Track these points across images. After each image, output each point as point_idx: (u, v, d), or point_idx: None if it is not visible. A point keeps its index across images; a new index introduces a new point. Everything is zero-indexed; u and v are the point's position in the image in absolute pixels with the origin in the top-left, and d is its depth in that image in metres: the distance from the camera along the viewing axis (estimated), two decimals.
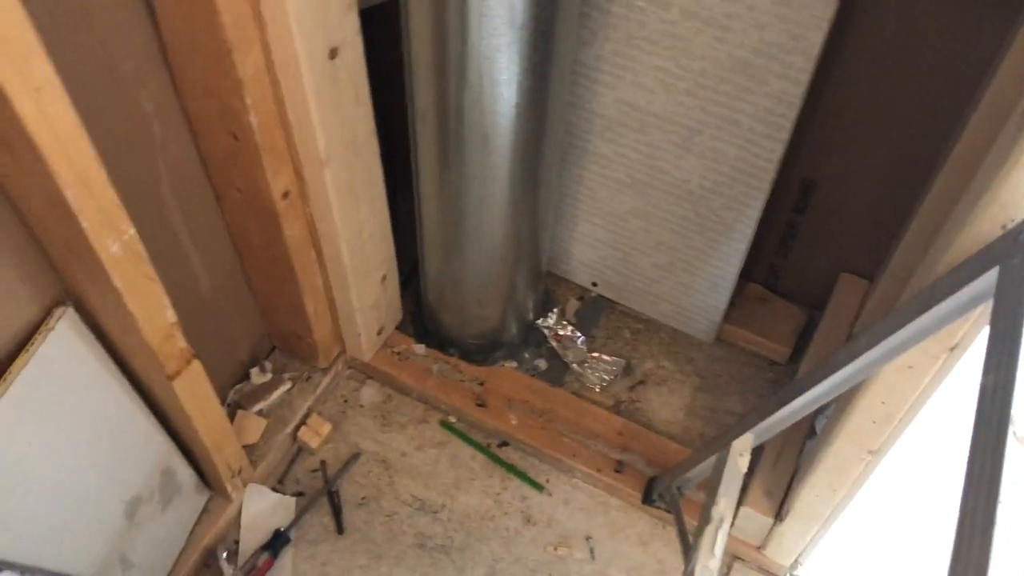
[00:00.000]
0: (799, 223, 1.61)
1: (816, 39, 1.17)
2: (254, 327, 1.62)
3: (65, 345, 1.12)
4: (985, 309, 0.84)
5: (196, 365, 1.25)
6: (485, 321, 1.66)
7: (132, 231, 1.03)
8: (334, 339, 1.65)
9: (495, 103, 1.21)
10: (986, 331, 0.88)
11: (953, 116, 1.30)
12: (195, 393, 1.28)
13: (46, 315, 1.12)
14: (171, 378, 1.21)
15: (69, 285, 1.12)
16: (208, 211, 1.37)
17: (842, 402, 1.11)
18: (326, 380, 1.67)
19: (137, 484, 1.32)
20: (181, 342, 1.20)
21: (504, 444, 1.64)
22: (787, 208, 1.60)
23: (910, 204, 1.46)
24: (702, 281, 1.62)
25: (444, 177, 1.36)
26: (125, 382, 1.23)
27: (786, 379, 1.71)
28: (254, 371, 1.64)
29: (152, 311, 1.12)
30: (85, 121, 0.90)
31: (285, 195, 1.31)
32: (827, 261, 1.66)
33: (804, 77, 1.22)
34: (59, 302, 1.12)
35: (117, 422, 1.24)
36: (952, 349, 0.91)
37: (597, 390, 1.69)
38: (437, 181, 1.38)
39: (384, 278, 1.59)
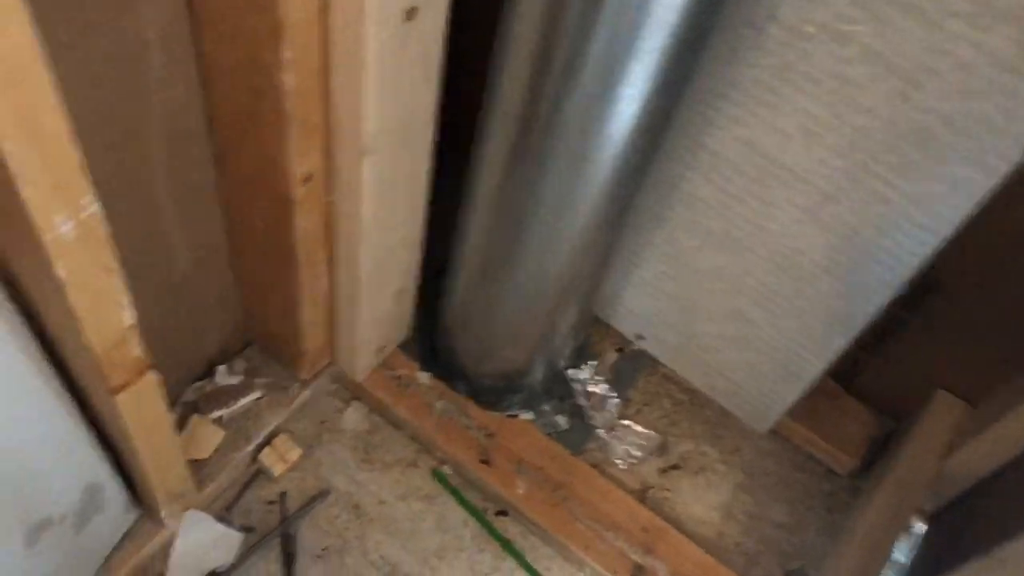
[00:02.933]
0: (906, 321, 1.34)
1: None
2: (230, 317, 1.32)
3: None
4: None
5: (150, 378, 0.95)
6: (509, 361, 1.37)
7: (94, 207, 0.73)
8: (324, 349, 1.36)
9: (603, 120, 0.92)
10: None
11: None
12: (142, 411, 0.98)
13: None
14: (114, 392, 0.92)
15: None
16: (203, 176, 1.07)
17: None
18: (305, 394, 1.38)
19: (48, 506, 1.03)
20: (136, 350, 0.90)
21: (503, 513, 1.36)
22: (896, 301, 1.32)
23: None
24: (776, 368, 1.34)
25: (509, 191, 1.07)
26: (52, 379, 0.93)
27: (845, 495, 1.44)
28: (220, 369, 1.34)
29: (103, 311, 0.83)
30: (51, 39, 0.60)
31: (307, 180, 1.01)
32: (925, 371, 1.39)
33: (1002, 167, 0.94)
34: None
35: (33, 429, 0.94)
36: None
37: (622, 466, 1.42)
38: (498, 194, 1.09)
39: (400, 291, 1.29)
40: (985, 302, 1.24)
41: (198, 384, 1.33)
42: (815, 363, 1.29)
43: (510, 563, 1.31)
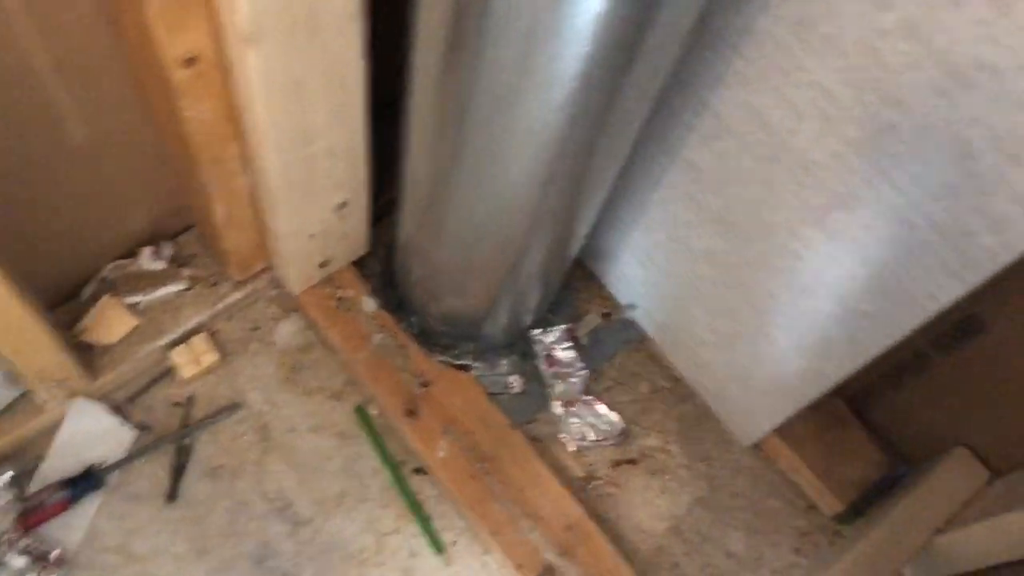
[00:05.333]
0: (934, 362, 1.09)
1: None
2: (165, 194, 1.18)
3: None
4: None
5: None
6: (464, 301, 1.19)
7: None
8: (258, 252, 1.21)
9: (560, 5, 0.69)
10: None
11: None
12: None
13: None
14: None
15: None
16: (89, 38, 0.90)
17: None
18: (236, 296, 1.24)
19: None
20: None
21: (421, 471, 1.21)
22: (927, 337, 1.07)
23: None
24: (766, 381, 1.13)
25: (447, 87, 0.84)
26: None
27: (821, 539, 1.23)
28: (145, 251, 1.21)
29: None
30: None
31: (189, 63, 0.83)
32: (947, 421, 1.15)
33: None
34: None
35: None
36: None
37: (571, 448, 1.24)
38: (436, 92, 0.86)
39: (343, 205, 1.12)
40: None
41: (120, 263, 1.21)
42: (808, 387, 1.07)
43: (413, 527, 1.17)
